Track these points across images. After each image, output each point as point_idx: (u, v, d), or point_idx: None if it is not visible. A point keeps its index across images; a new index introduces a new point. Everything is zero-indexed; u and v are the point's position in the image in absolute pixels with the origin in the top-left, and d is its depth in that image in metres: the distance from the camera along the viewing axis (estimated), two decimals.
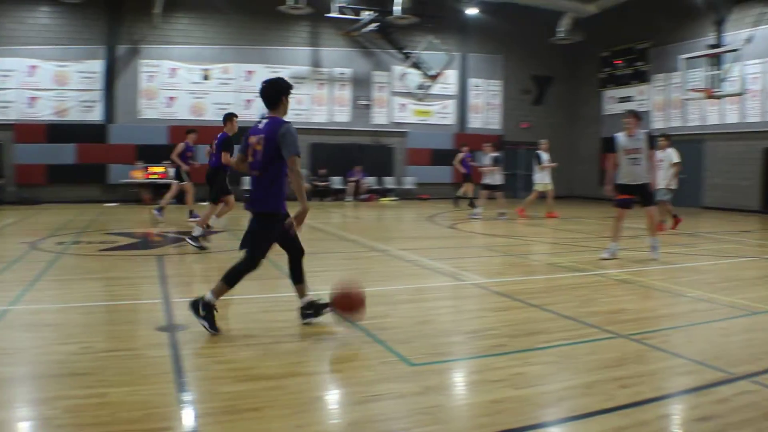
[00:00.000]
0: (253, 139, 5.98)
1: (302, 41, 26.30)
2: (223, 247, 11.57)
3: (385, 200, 26.47)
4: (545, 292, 7.99)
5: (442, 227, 16.08)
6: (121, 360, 4.93)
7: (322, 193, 25.82)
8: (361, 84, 27.20)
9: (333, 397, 4.47)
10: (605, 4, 25.79)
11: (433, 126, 28.51)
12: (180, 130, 23.45)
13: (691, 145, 24.03)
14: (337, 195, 26.12)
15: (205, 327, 5.63)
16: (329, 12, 24.74)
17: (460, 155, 21.64)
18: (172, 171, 22.70)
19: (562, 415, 4.10)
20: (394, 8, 23.66)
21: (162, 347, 5.26)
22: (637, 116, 10.70)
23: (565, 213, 19.80)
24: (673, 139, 16.09)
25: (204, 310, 5.65)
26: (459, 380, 4.87)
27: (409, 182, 27.85)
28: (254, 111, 24.92)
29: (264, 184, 5.84)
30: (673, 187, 15.27)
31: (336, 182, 26.39)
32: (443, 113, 28.80)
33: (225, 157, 11.21)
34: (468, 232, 15.21)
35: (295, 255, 6.09)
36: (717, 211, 23.04)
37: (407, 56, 26.23)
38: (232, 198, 12.00)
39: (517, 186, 29.84)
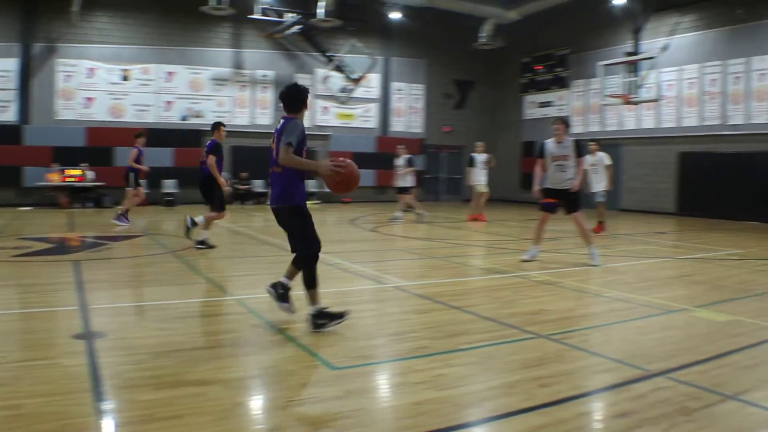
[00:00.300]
0: (272, 139, 6.21)
1: (224, 42, 25.99)
2: (145, 252, 11.38)
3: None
4: (466, 294, 8.09)
5: (363, 230, 16.09)
6: (35, 370, 4.79)
7: (243, 197, 25.55)
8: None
9: (255, 402, 4.43)
10: (526, 11, 26.19)
11: (356, 129, 28.52)
12: (98, 132, 23.13)
13: (609, 149, 24.33)
14: (259, 198, 25.88)
15: (335, 324, 6.05)
16: (252, 13, 24.48)
17: None
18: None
19: (484, 415, 4.16)
20: (318, 11, 23.56)
21: (78, 355, 5.13)
22: (566, 123, 10.86)
23: (486, 216, 20.03)
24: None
25: (323, 319, 6.02)
26: (381, 383, 4.88)
27: None
28: (174, 113, 24.66)
29: (281, 180, 6.10)
30: (609, 189, 15.72)
31: (258, 185, 26.15)
32: (366, 117, 28.83)
33: (210, 160, 11.14)
34: (389, 235, 15.25)
35: None
36: (634, 213, 23.70)
37: (330, 59, 26.19)
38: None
39: (439, 189, 30.17)
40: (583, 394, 4.55)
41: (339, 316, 6.05)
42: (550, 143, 10.71)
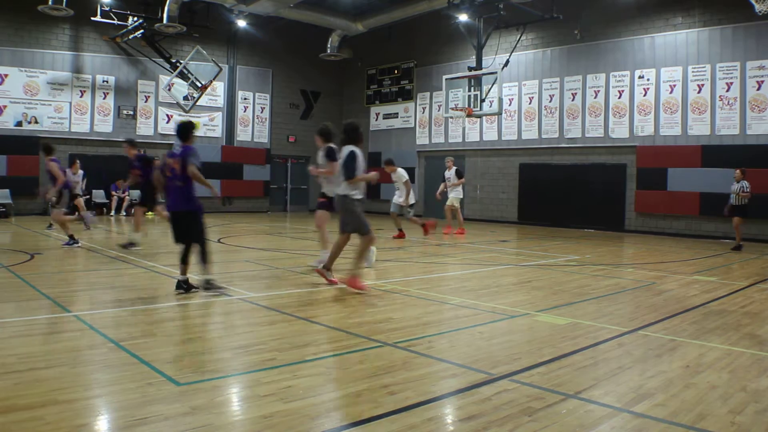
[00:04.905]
0: (170, 161, 8.51)
1: (63, 45, 24.78)
2: None
3: (150, 215, 25.57)
4: (313, 305, 8.06)
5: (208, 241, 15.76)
6: None
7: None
8: (125, 93, 26.18)
9: (96, 423, 4.18)
10: (372, 24, 26.59)
11: (201, 138, 27.92)
12: None
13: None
14: (100, 209, 24.90)
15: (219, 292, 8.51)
16: (93, 15, 23.55)
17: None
18: None
19: (333, 425, 4.11)
20: (162, 15, 22.86)
21: None
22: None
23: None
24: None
25: (210, 285, 8.57)
26: (228, 397, 4.75)
27: None
28: (8, 118, 23.32)
29: (185, 192, 8.58)
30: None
31: (98, 196, 25.17)
32: (211, 126, 28.34)
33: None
34: (234, 246, 15.03)
35: (190, 246, 8.76)
36: (478, 222, 24.40)
37: (174, 66, 25.53)
38: None
39: (285, 199, 30.09)
40: (431, 399, 4.59)
41: (220, 288, 8.56)
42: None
